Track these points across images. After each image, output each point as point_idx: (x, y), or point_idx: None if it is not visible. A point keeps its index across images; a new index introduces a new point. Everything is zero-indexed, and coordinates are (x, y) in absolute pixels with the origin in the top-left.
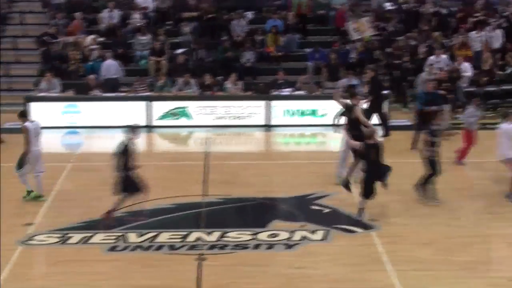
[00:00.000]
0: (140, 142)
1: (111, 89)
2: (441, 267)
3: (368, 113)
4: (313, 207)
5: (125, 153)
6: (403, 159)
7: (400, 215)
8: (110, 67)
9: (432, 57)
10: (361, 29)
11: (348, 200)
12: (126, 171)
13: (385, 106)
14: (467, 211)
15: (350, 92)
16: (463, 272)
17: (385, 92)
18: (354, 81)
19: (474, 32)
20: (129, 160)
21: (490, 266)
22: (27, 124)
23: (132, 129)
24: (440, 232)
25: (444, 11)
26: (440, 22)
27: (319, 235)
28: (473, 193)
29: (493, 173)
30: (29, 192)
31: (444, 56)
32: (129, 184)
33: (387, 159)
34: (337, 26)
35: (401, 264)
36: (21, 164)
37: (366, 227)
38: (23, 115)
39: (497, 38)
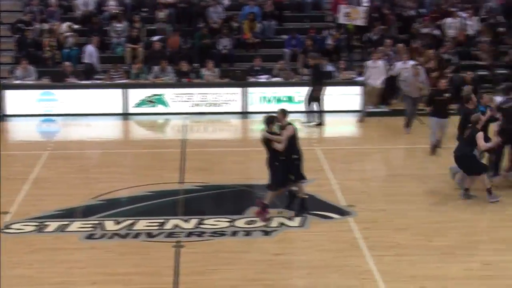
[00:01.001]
0: (116, 130)
1: (88, 76)
2: (418, 252)
3: (311, 101)
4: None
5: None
6: (378, 145)
7: (377, 200)
8: (92, 53)
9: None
10: (353, 16)
11: (325, 186)
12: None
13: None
14: (444, 196)
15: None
16: (440, 256)
17: (326, 80)
18: (331, 67)
19: (449, 18)
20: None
21: (466, 251)
22: None
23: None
24: (417, 217)
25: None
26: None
27: (296, 221)
28: (449, 178)
29: None
30: None
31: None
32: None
33: (371, 145)
34: (331, 10)
35: (379, 250)
36: None
37: (343, 213)
38: None
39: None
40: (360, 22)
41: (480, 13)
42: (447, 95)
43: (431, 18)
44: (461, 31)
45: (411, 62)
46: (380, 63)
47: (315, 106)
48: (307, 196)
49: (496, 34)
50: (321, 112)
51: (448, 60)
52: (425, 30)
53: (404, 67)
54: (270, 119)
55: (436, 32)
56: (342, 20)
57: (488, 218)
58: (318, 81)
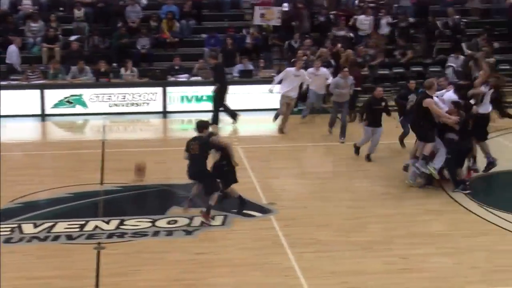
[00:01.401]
0: (34, 131)
1: (4, 77)
2: (339, 247)
3: (216, 102)
4: None
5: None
6: (299, 143)
7: (297, 198)
8: (14, 53)
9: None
10: (268, 17)
11: (246, 185)
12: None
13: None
14: (363, 192)
15: None
16: (360, 252)
17: (227, 79)
18: (250, 66)
19: (363, 16)
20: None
21: (385, 246)
22: None
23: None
24: (337, 213)
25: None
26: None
27: (218, 220)
28: (369, 174)
29: (387, 154)
30: None
31: None
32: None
33: (300, 143)
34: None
35: (300, 246)
36: None
37: (264, 211)
38: None
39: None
40: (276, 22)
41: (391, 12)
42: (383, 104)
43: (344, 19)
44: (374, 30)
45: (323, 70)
46: (323, 70)
47: (212, 104)
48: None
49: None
50: (217, 113)
51: (362, 61)
52: (341, 33)
53: (315, 73)
54: (204, 124)
55: (350, 34)
56: (257, 21)
57: (405, 212)
58: (220, 80)
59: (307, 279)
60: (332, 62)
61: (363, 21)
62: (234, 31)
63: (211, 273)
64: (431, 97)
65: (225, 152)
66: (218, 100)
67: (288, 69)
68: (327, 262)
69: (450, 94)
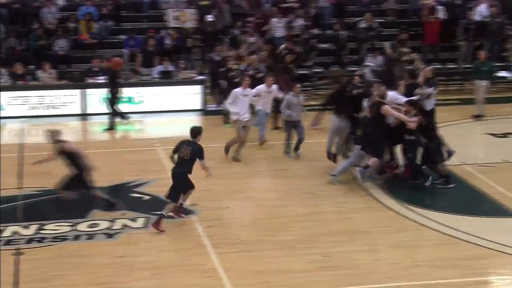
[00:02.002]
0: None
1: None
2: (262, 247)
3: (110, 104)
4: (133, 194)
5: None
6: (221, 143)
7: (220, 198)
8: None
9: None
10: (182, 19)
11: (168, 187)
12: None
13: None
14: (285, 192)
15: None
16: (283, 251)
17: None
18: (170, 67)
19: (276, 18)
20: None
21: (307, 244)
22: None
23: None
24: (260, 213)
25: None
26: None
27: (140, 222)
28: (291, 173)
29: (309, 153)
30: None
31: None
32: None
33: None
34: None
35: (224, 247)
36: None
37: (186, 212)
38: None
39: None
40: (190, 24)
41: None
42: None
43: (255, 25)
44: (289, 32)
45: (275, 86)
46: (274, 86)
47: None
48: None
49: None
50: (113, 116)
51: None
52: (251, 39)
53: (268, 90)
54: (198, 130)
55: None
56: (172, 23)
57: (326, 211)
58: (114, 84)
59: (230, 279)
60: (262, 68)
61: (277, 24)
62: (153, 32)
63: (133, 276)
64: (385, 104)
65: (74, 158)
66: (110, 103)
67: (235, 90)
68: (250, 262)
69: (393, 94)
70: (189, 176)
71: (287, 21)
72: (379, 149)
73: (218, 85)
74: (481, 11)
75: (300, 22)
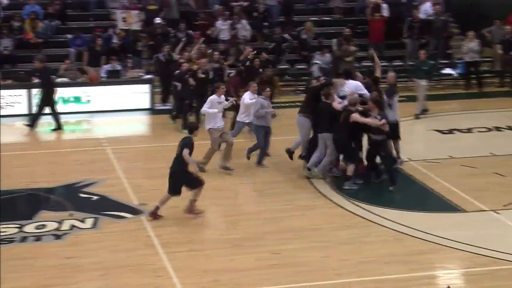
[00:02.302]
0: None
1: None
2: (211, 246)
3: (41, 106)
4: (81, 195)
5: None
6: (169, 143)
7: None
8: None
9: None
10: (129, 21)
11: (117, 186)
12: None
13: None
14: (234, 190)
15: None
16: (232, 249)
17: (55, 83)
18: (118, 66)
19: (220, 21)
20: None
21: (256, 242)
22: None
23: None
24: (209, 212)
25: None
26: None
27: (88, 223)
28: (239, 172)
29: (256, 153)
30: None
31: None
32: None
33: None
34: None
35: (173, 246)
36: None
37: (135, 212)
38: None
39: (243, 27)
40: (136, 26)
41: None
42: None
43: (201, 26)
44: (233, 35)
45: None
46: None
47: (48, 110)
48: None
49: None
50: (56, 115)
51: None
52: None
53: (219, 100)
54: (193, 126)
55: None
56: (120, 25)
57: (275, 209)
58: (47, 84)
59: (179, 278)
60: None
61: (221, 26)
62: (100, 31)
63: (82, 277)
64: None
65: None
66: (41, 103)
67: (211, 97)
68: (199, 261)
69: (357, 84)
70: (190, 171)
71: (231, 23)
72: (354, 155)
73: (167, 86)
74: (426, 10)
75: (244, 23)
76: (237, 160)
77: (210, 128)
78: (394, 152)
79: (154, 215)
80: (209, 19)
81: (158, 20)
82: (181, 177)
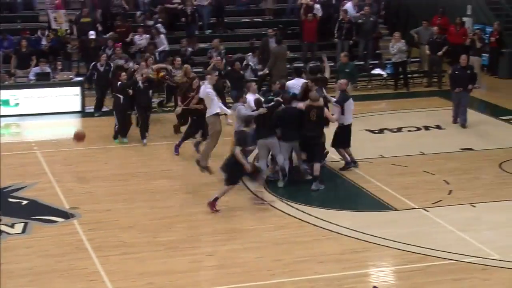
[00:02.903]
0: None
1: None
2: (145, 249)
3: None
4: (11, 199)
5: None
6: (100, 145)
7: (101, 201)
8: None
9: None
10: (60, 20)
11: (48, 190)
12: None
13: None
14: (167, 192)
15: None
16: (166, 251)
17: None
18: (47, 68)
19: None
20: None
21: (191, 244)
22: None
23: None
24: (142, 214)
25: None
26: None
27: (18, 228)
28: (171, 174)
29: (187, 153)
30: None
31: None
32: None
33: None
34: None
35: (105, 250)
36: None
37: (67, 216)
38: None
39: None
40: (66, 26)
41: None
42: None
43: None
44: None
45: (249, 98)
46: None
47: None
48: None
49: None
50: None
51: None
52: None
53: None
54: (250, 119)
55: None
56: (53, 25)
57: (208, 210)
58: None
59: (113, 282)
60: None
61: (138, 41)
62: (28, 33)
63: (11, 284)
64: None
65: None
66: None
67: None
68: (133, 264)
69: (295, 82)
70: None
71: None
72: (322, 153)
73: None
74: (348, 9)
75: (162, 38)
76: (173, 162)
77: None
78: (347, 156)
79: (212, 206)
80: (126, 26)
81: (92, 35)
82: (239, 168)
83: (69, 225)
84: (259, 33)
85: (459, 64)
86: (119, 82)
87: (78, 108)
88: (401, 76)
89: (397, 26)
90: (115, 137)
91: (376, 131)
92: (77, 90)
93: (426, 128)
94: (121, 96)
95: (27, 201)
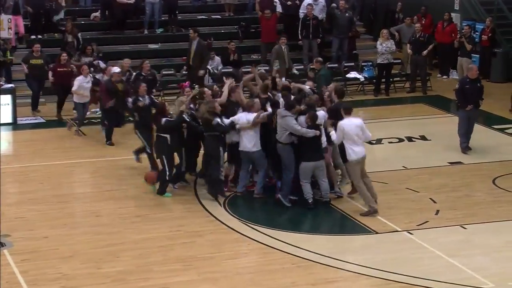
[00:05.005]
0: None
1: None
2: (88, 282)
3: None
4: None
5: None
6: (34, 163)
7: (37, 227)
8: None
9: None
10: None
11: None
12: None
13: None
14: (113, 216)
15: None
16: (112, 284)
17: None
18: None
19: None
20: None
21: (140, 275)
22: None
23: None
24: (85, 242)
25: None
26: None
27: None
28: (117, 195)
29: (130, 172)
30: None
31: None
32: None
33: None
34: None
35: (42, 284)
36: None
37: None
38: None
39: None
40: (5, 34)
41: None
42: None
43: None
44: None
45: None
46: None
47: None
48: None
49: None
50: None
51: None
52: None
53: None
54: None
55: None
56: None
57: (161, 236)
58: None
59: None
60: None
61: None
62: None
63: None
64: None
65: None
66: None
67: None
68: None
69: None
70: None
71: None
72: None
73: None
74: (305, 7)
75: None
76: (119, 182)
77: None
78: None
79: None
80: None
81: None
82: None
83: None
84: (218, 31)
85: (468, 76)
86: (163, 119)
87: (9, 120)
88: (383, 80)
89: (374, 23)
90: (161, 193)
91: None
92: (8, 98)
93: (410, 139)
94: (167, 136)
95: None
